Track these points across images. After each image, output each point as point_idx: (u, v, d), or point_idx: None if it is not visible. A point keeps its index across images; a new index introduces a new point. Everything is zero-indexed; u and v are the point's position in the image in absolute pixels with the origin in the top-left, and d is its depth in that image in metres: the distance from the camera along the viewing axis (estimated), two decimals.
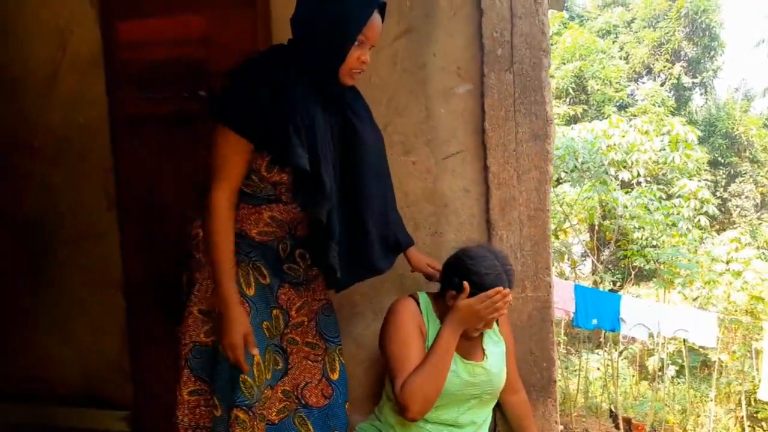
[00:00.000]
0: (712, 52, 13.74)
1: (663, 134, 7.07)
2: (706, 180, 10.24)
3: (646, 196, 6.69)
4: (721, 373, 6.32)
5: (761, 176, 12.60)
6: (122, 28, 2.44)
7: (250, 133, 1.52)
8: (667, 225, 6.67)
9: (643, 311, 4.91)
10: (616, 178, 6.82)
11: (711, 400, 5.91)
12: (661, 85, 12.96)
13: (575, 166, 6.45)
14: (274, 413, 1.73)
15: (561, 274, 7.43)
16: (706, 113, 13.45)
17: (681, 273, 6.27)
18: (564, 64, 10.83)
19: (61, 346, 2.62)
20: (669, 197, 7.55)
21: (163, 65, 2.40)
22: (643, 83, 13.62)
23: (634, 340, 6.56)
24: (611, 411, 5.54)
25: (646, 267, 7.06)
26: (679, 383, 6.69)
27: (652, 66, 13.63)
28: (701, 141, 9.76)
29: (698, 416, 6.14)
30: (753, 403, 6.05)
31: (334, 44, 1.53)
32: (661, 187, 8.18)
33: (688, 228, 6.80)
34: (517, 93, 2.02)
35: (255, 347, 1.56)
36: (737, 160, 12.70)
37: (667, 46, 13.48)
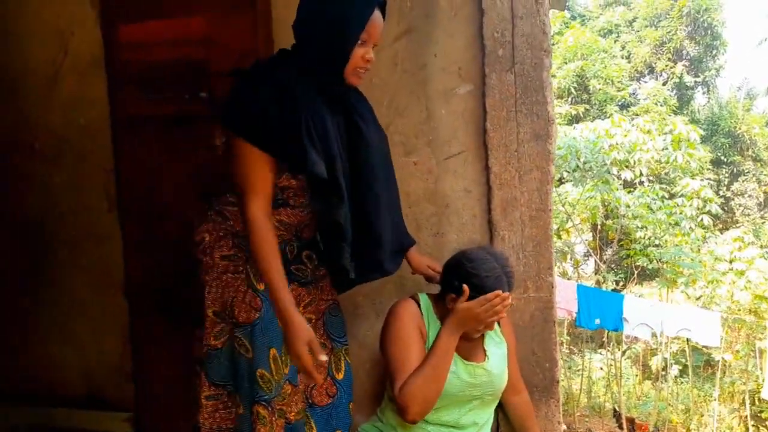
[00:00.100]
0: (714, 51, 13.72)
1: (665, 133, 7.05)
2: (709, 179, 10.23)
3: (648, 196, 6.68)
4: (724, 372, 6.31)
5: (764, 175, 12.57)
6: (123, 29, 2.44)
7: (269, 147, 1.53)
8: (670, 224, 6.65)
9: (646, 311, 4.91)
10: (619, 177, 6.80)
11: (714, 400, 5.91)
12: (663, 84, 12.95)
13: (577, 166, 6.44)
14: (294, 413, 1.72)
15: (564, 274, 7.41)
16: (709, 112, 13.43)
17: (684, 272, 6.25)
18: (566, 63, 10.81)
19: (62, 347, 2.61)
20: (672, 196, 7.52)
21: (163, 66, 2.40)
22: (645, 82, 13.59)
23: (637, 339, 6.56)
24: (614, 411, 5.54)
25: (649, 266, 7.06)
26: (682, 383, 6.69)
27: (654, 65, 13.62)
28: (704, 140, 9.74)
29: (702, 416, 6.14)
30: (757, 402, 6.04)
31: (337, 45, 1.54)
32: (663, 186, 8.17)
33: (690, 227, 6.79)
34: (519, 93, 2.01)
35: (322, 353, 1.55)
36: (740, 159, 12.68)
37: (669, 45, 13.46)
